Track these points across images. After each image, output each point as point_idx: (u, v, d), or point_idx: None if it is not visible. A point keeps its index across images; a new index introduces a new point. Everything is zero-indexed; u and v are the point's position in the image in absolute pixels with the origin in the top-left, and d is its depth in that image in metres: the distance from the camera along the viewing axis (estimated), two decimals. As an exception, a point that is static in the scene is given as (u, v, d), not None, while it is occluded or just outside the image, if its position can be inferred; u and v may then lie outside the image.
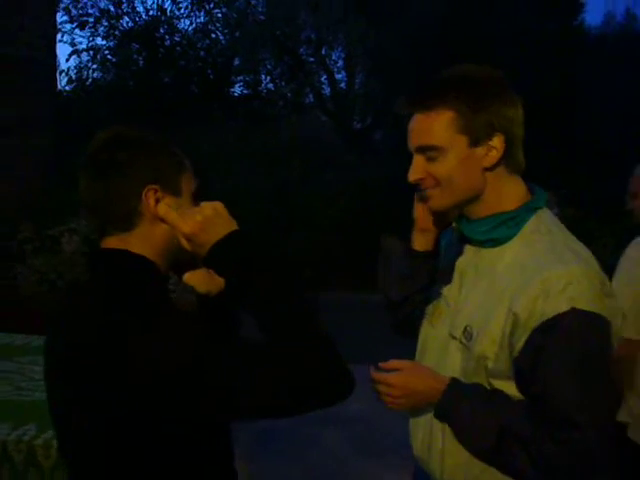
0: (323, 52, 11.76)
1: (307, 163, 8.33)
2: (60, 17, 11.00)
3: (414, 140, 1.17)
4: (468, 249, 1.24)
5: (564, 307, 1.05)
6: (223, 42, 11.55)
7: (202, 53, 11.42)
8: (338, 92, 12.27)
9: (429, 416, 1.21)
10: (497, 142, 1.13)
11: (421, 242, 1.34)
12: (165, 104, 9.98)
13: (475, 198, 1.17)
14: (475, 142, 1.13)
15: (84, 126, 10.44)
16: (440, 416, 1.17)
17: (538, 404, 1.08)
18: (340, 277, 7.86)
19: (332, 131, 11.96)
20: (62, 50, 15.90)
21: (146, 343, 0.88)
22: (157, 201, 0.99)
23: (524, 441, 1.07)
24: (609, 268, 1.43)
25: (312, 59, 11.78)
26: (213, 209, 0.97)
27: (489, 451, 1.11)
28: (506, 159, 1.15)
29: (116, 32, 11.41)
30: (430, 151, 1.14)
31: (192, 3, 11.36)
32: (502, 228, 1.16)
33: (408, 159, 1.20)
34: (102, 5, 11.41)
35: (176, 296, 1.05)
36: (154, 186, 0.98)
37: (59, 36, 10.75)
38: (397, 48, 9.63)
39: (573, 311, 1.05)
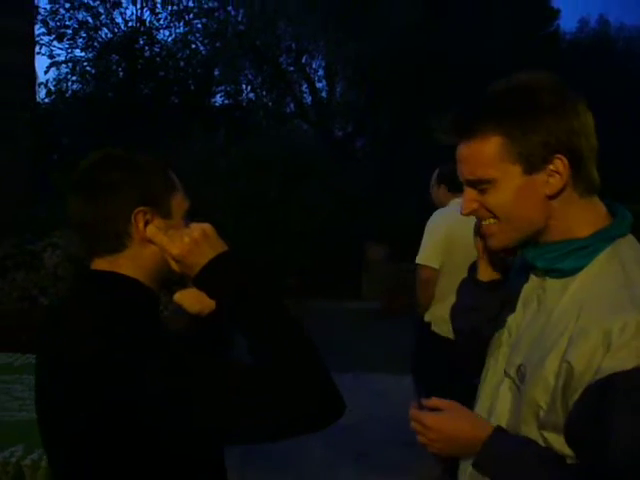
0: (303, 61, 11.83)
1: (289, 172, 8.35)
2: (37, 29, 10.93)
3: (462, 172, 1.03)
4: (533, 278, 1.07)
5: (628, 364, 0.87)
6: (203, 52, 11.55)
7: (182, 64, 11.41)
8: (319, 101, 12.33)
9: None
10: (559, 165, 0.95)
11: (486, 272, 1.18)
12: (145, 115, 9.94)
13: (541, 230, 1.01)
14: (531, 169, 0.96)
15: (64, 138, 10.40)
16: (479, 468, 1.03)
17: (593, 473, 0.91)
18: (323, 285, 7.88)
19: (313, 140, 12.02)
20: (40, 62, 15.76)
21: (133, 366, 0.88)
22: (146, 223, 0.98)
23: None
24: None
25: (292, 68, 11.83)
26: (201, 231, 0.96)
27: None
28: (576, 181, 0.97)
29: (95, 44, 11.36)
30: (481, 184, 1.00)
31: (171, 14, 11.35)
32: (570, 258, 0.99)
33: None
34: (80, 17, 11.36)
35: (168, 314, 1.05)
36: (144, 208, 0.98)
37: (37, 48, 10.68)
38: (377, 56, 9.72)
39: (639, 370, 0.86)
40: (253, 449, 3.29)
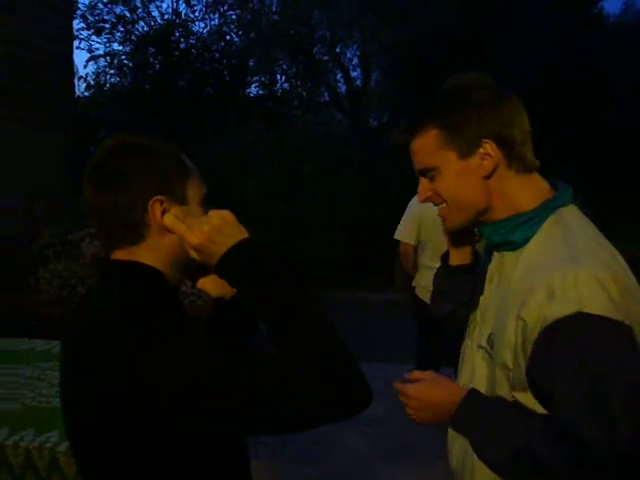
0: (338, 50, 11.73)
1: (323, 162, 8.31)
2: (77, 24, 11.15)
3: (414, 164, 1.19)
4: (495, 255, 1.19)
5: (569, 310, 0.96)
6: (238, 43, 11.58)
7: (217, 55, 11.46)
8: (354, 90, 12.22)
9: None
10: (489, 149, 1.10)
11: (456, 257, 1.32)
12: (181, 106, 10.04)
13: (487, 209, 1.14)
14: (464, 154, 1.11)
15: (103, 130, 10.59)
16: (455, 429, 1.13)
17: (552, 420, 0.99)
18: (356, 276, 7.84)
19: (348, 129, 11.92)
20: (80, 56, 16.25)
21: (153, 359, 0.87)
22: (164, 212, 0.97)
23: (538, 462, 0.99)
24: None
25: (327, 57, 11.76)
26: (221, 218, 0.94)
27: (503, 468, 1.05)
28: (509, 161, 1.11)
29: (132, 37, 11.51)
30: (428, 172, 1.16)
31: (206, 6, 11.41)
32: (519, 230, 1.11)
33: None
34: (118, 11, 11.53)
35: (193, 299, 1.04)
36: (160, 197, 0.96)
37: (76, 43, 10.89)
38: (412, 45, 9.56)
39: (579, 315, 0.96)
40: (284, 439, 3.31)
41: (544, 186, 1.15)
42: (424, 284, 3.49)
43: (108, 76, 11.39)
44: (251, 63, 11.68)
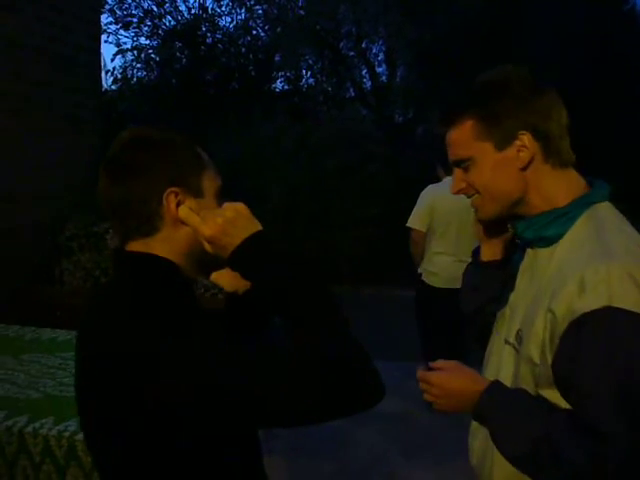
0: (363, 46, 11.66)
1: (348, 157, 8.27)
2: (105, 18, 11.27)
3: (449, 156, 1.20)
4: (528, 252, 1.20)
5: (598, 304, 0.97)
6: (264, 38, 11.59)
7: (243, 50, 11.48)
8: (379, 85, 12.14)
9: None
10: (526, 141, 1.10)
11: (487, 252, 1.33)
12: (207, 101, 10.09)
13: (520, 200, 1.14)
14: (501, 145, 1.11)
15: (129, 124, 10.67)
16: (477, 418, 1.15)
17: (576, 413, 1.00)
18: (380, 272, 7.80)
19: (373, 125, 11.84)
20: (108, 50, 16.43)
21: (166, 354, 0.87)
22: (178, 204, 0.97)
23: (558, 454, 0.99)
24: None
25: (352, 53, 11.69)
26: (235, 211, 0.94)
27: (522, 459, 1.05)
28: (545, 155, 1.11)
29: (159, 31, 11.59)
30: (463, 163, 1.16)
31: (233, 0, 11.43)
32: (553, 226, 1.11)
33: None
34: (145, 5, 11.62)
35: (215, 292, 1.03)
36: (175, 189, 0.96)
37: (104, 37, 11.01)
38: (437, 41, 9.46)
39: (609, 309, 0.96)
40: (300, 434, 3.31)
41: (580, 182, 1.14)
42: (432, 270, 3.75)
43: (135, 70, 11.50)
44: (277, 58, 11.67)
